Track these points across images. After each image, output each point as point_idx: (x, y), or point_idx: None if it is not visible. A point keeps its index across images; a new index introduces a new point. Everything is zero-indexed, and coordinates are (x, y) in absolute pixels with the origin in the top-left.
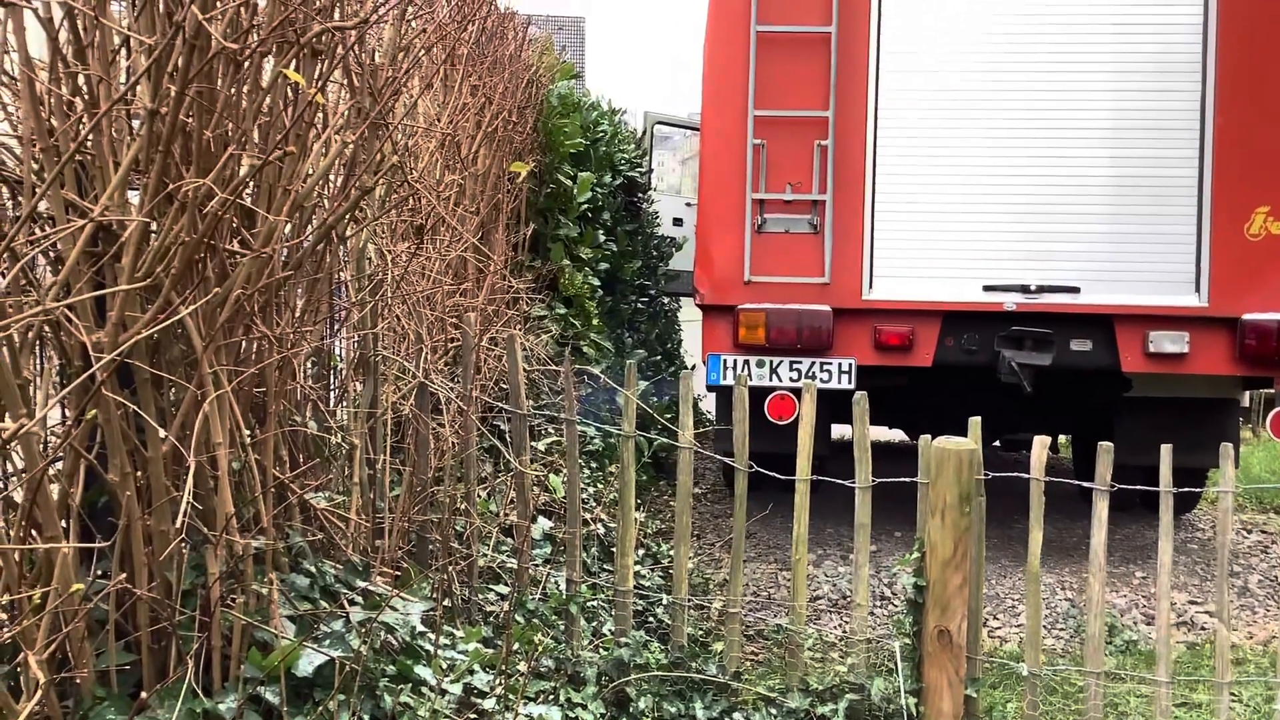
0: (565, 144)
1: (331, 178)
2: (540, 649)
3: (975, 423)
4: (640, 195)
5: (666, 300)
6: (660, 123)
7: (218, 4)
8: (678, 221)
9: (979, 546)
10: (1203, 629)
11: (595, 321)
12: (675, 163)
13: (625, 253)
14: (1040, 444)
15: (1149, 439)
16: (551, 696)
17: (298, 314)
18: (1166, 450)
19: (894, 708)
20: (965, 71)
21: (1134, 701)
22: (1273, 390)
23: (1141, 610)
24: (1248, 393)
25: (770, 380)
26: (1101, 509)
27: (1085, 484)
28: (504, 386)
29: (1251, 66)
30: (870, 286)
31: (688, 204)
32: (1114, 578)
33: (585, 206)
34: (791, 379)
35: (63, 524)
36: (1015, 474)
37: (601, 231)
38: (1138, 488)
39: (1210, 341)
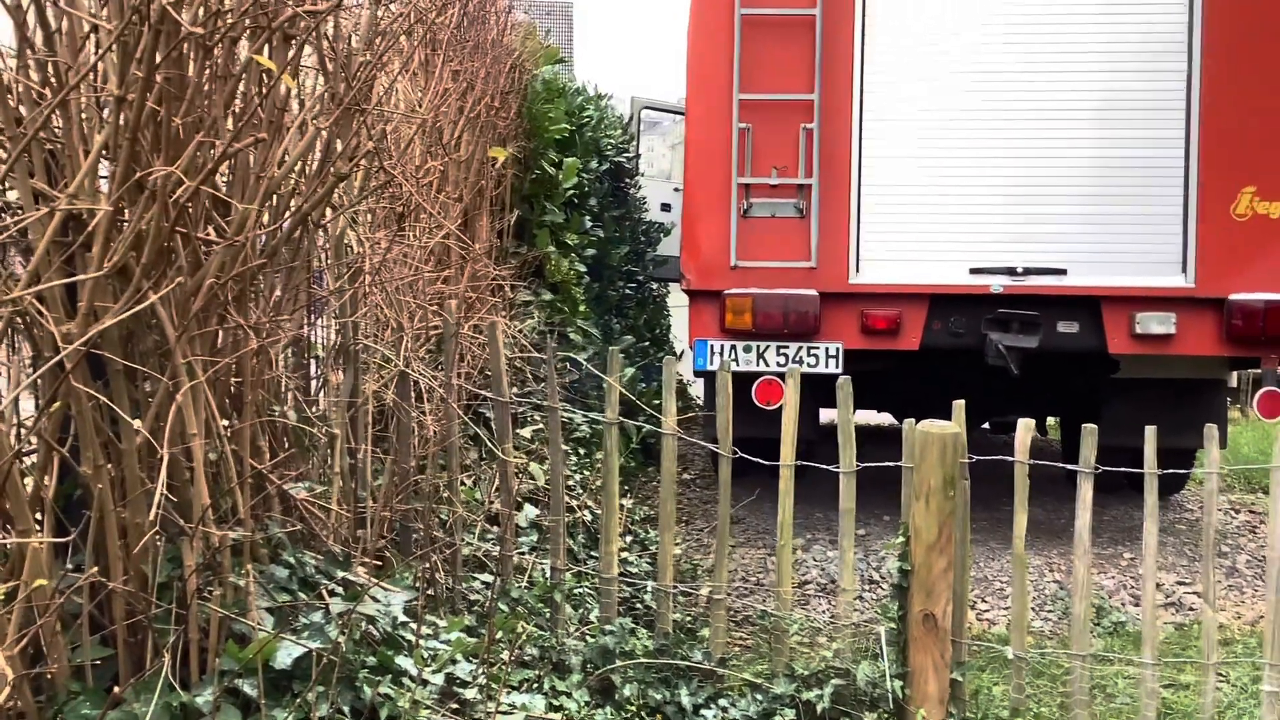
0: (550, 129)
1: (307, 164)
2: (523, 637)
3: (959, 406)
4: (627, 181)
5: (655, 286)
6: (648, 107)
7: None
8: (665, 207)
9: (964, 530)
10: (1191, 610)
11: (582, 308)
12: (664, 148)
13: (612, 238)
14: (1024, 427)
15: (1136, 420)
16: (535, 685)
17: (274, 302)
18: (1151, 432)
19: (880, 692)
20: (950, 53)
21: (1121, 683)
22: (1260, 370)
23: (1130, 591)
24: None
25: (757, 365)
26: (1086, 491)
27: (1070, 466)
28: (488, 374)
29: (1237, 47)
30: (857, 270)
31: (676, 189)
32: (1102, 559)
33: (571, 192)
34: (779, 364)
35: (36, 517)
36: (1001, 457)
37: (588, 217)
38: (1123, 469)
39: (1197, 322)
